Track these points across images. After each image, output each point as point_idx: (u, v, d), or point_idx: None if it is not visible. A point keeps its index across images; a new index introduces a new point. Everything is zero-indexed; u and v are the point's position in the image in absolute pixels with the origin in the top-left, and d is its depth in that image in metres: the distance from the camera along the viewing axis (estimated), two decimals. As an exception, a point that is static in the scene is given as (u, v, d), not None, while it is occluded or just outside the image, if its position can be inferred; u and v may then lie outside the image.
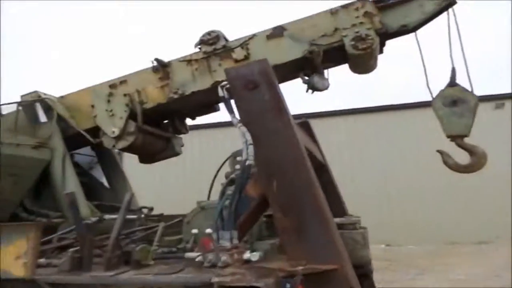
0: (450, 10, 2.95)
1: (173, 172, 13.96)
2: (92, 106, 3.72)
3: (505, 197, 12.96)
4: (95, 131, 3.70)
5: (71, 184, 3.44)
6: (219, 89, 2.49)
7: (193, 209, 2.91)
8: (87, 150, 4.51)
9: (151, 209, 4.05)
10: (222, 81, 3.47)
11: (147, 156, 4.01)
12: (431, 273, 9.63)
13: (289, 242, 1.99)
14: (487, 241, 12.86)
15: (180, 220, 2.95)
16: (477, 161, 2.77)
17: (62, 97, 3.92)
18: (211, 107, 4.00)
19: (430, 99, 2.91)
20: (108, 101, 3.68)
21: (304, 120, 4.25)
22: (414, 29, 3.09)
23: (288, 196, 2.05)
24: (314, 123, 4.12)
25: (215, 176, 3.55)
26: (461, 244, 12.86)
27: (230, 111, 2.44)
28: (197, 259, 1.97)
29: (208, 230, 1.97)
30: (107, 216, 3.12)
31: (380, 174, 13.81)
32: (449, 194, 13.39)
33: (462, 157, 2.85)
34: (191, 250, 2.31)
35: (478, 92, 2.77)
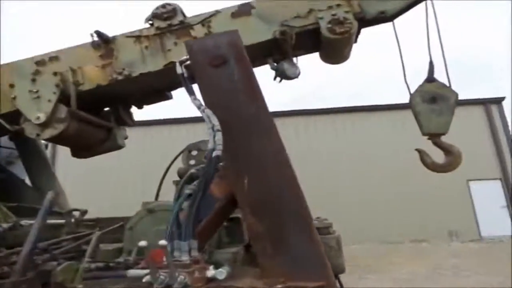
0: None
1: (113, 170, 12.82)
2: (11, 85, 3.00)
3: (441, 198, 13.87)
4: (15, 116, 2.99)
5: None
6: (177, 66, 2.02)
7: (137, 212, 2.38)
8: (4, 141, 3.71)
9: (84, 212, 3.40)
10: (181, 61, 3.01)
11: (82, 149, 3.35)
12: (377, 272, 9.84)
13: (263, 253, 1.59)
14: (425, 239, 13.63)
15: (121, 225, 2.41)
16: (453, 160, 2.61)
17: None
18: (163, 94, 3.46)
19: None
20: (33, 80, 2.99)
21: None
22: (392, 17, 2.87)
23: (262, 195, 1.65)
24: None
25: (165, 173, 3.04)
26: (402, 244, 13.48)
27: (190, 92, 1.98)
28: (144, 279, 1.49)
29: (162, 242, 1.49)
30: (24, 222, 2.45)
31: (324, 173, 14.01)
32: (389, 195, 13.99)
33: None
34: (135, 266, 1.81)
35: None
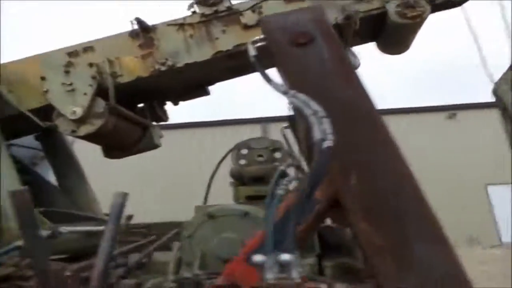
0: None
1: (137, 169, 12.26)
2: (43, 78, 2.73)
3: (459, 203, 13.48)
4: (45, 112, 2.71)
5: (7, 183, 2.41)
6: (250, 47, 1.74)
7: (194, 217, 2.09)
8: (29, 140, 3.43)
9: (130, 217, 3.10)
10: (227, 50, 2.73)
11: (117, 148, 3.06)
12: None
13: (382, 268, 1.29)
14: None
15: (177, 232, 2.11)
16: None
17: (1, 65, 2.86)
18: (202, 89, 3.18)
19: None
20: (67, 72, 2.72)
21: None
22: (461, 2, 2.60)
23: (376, 196, 1.35)
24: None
25: (213, 173, 2.74)
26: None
27: (267, 77, 1.70)
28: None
29: (258, 257, 1.19)
30: (63, 228, 2.16)
31: None
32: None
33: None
34: (209, 281, 1.51)
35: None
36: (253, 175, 2.50)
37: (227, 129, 14.47)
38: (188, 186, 11.09)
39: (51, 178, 3.55)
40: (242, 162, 2.73)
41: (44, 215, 2.62)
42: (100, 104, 2.61)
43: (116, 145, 3.00)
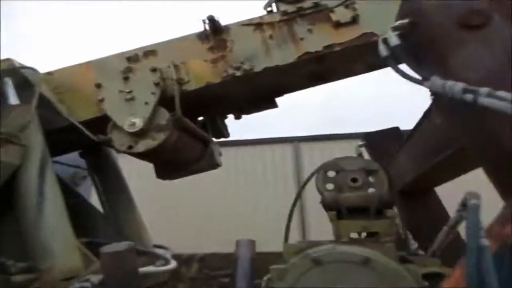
0: None
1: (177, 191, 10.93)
2: (98, 85, 2.36)
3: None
4: (98, 124, 2.33)
5: (52, 208, 1.98)
6: (391, 35, 1.28)
7: (294, 262, 1.57)
8: (71, 158, 3.06)
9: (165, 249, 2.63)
10: (316, 52, 2.29)
11: (174, 167, 2.62)
12: None
13: None
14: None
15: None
16: None
17: (49, 73, 2.52)
18: (272, 100, 2.72)
19: None
20: (126, 78, 2.34)
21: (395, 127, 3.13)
22: None
23: None
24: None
25: (294, 203, 2.22)
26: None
27: (422, 72, 1.22)
28: None
29: None
30: (143, 269, 1.69)
31: None
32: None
33: None
34: None
35: None
36: (353, 205, 1.98)
37: (255, 149, 13.40)
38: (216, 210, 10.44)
39: (93, 200, 3.16)
40: (330, 186, 2.21)
41: (88, 246, 2.19)
42: (164, 115, 2.19)
43: (173, 163, 2.56)
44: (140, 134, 2.17)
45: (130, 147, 2.17)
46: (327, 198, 2.02)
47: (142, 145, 2.16)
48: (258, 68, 2.25)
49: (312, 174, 2.22)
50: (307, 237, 8.99)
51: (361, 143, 3.11)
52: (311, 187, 2.30)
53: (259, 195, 9.72)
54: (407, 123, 2.84)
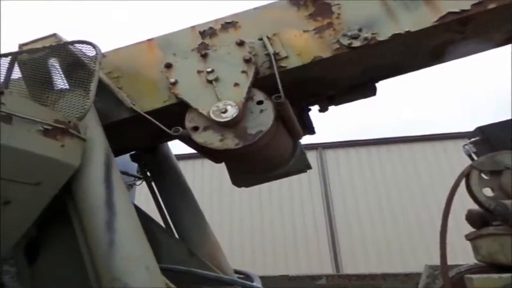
0: None
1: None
2: (168, 65, 1.84)
3: None
4: (168, 115, 1.81)
5: (125, 226, 1.44)
6: None
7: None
8: (124, 162, 2.54)
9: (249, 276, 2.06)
10: (462, 11, 1.75)
11: (262, 170, 2.07)
12: None
13: None
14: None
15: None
16: None
17: (103, 55, 2.01)
18: (372, 86, 2.17)
19: None
20: (204, 55, 1.82)
21: None
22: None
23: None
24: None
25: (445, 216, 1.64)
26: None
27: None
28: None
29: None
30: None
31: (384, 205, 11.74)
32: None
33: None
34: None
35: None
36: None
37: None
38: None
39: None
40: (487, 191, 1.65)
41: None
42: (265, 101, 1.66)
43: (261, 164, 2.01)
44: (231, 125, 1.63)
45: (221, 140, 1.63)
46: (473, 212, 1.45)
47: (233, 140, 1.62)
48: (382, 36, 1.71)
49: (462, 176, 1.65)
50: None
51: (471, 139, 2.54)
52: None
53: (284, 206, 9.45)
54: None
